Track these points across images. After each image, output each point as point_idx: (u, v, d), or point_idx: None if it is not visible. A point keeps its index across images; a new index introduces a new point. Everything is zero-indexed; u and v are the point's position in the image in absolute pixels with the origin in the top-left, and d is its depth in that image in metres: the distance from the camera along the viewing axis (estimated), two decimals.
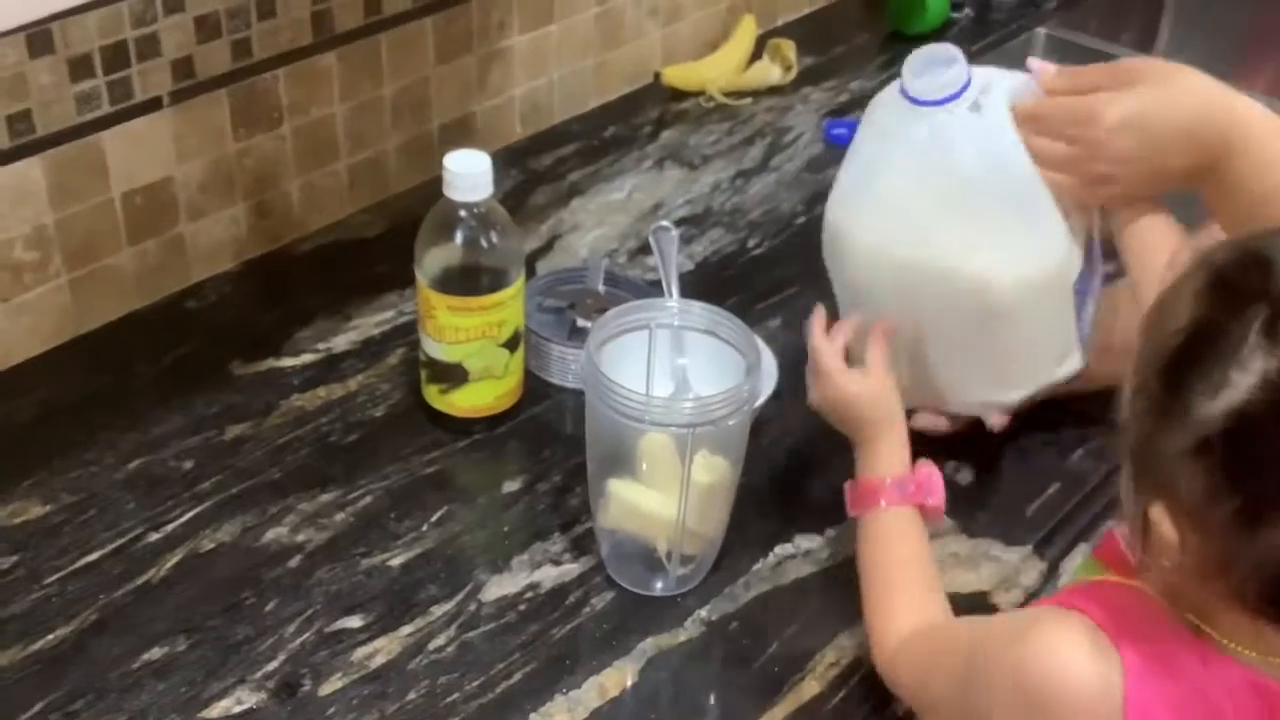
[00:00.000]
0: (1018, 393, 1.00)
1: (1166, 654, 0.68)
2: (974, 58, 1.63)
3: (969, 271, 0.92)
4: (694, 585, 0.93)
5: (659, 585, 0.93)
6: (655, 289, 1.17)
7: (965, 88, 0.91)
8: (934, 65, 0.91)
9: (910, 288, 0.95)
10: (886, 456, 0.89)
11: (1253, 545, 0.62)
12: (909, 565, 0.86)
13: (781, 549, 0.97)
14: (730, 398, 0.85)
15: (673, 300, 1.04)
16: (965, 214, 0.92)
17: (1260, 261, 0.64)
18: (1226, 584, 0.65)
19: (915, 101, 0.92)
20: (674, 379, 0.97)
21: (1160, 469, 0.65)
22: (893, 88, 0.95)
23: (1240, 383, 0.61)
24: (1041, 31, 1.78)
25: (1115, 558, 0.76)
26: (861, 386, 0.91)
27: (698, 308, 0.94)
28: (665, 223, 1.15)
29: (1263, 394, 0.61)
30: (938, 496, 0.89)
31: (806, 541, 0.97)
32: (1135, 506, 0.67)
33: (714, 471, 0.89)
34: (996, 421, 1.00)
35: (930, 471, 0.90)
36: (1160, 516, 0.66)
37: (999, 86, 0.93)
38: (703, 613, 0.92)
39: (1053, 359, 0.99)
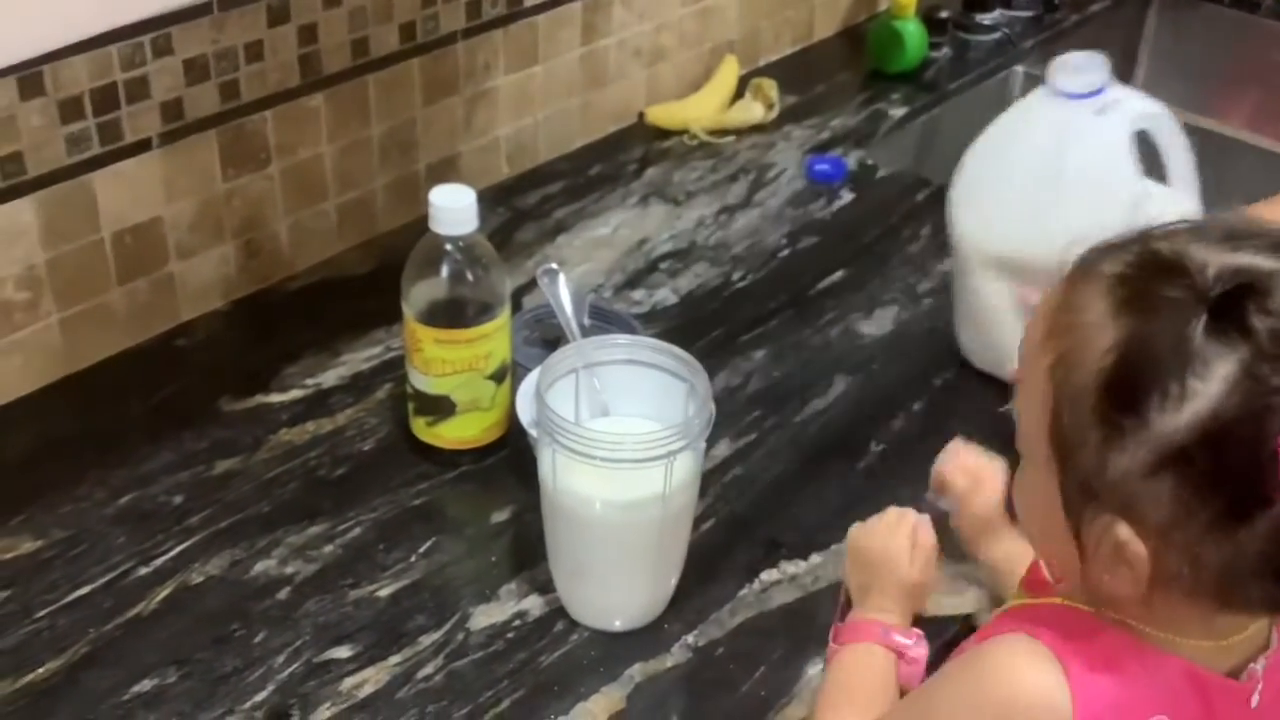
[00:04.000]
0: None
1: (1106, 659, 0.68)
2: (952, 96, 1.69)
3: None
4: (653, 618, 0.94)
5: (618, 623, 0.93)
6: (642, 322, 1.19)
7: (1101, 91, 1.06)
8: (1080, 69, 1.07)
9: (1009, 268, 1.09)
10: (890, 609, 0.86)
11: (1225, 548, 0.62)
12: (875, 697, 0.83)
13: (767, 575, 0.97)
14: (706, 419, 0.87)
15: (578, 340, 1.01)
16: (1047, 208, 1.04)
17: (1170, 266, 0.63)
18: (1183, 586, 0.64)
19: (1058, 92, 1.07)
20: (597, 414, 0.96)
21: (1119, 490, 0.64)
22: (1034, 93, 1.11)
23: (1204, 390, 0.60)
24: (1020, 70, 1.81)
25: (1039, 585, 0.75)
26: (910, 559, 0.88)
27: (623, 339, 0.96)
28: (552, 265, 1.11)
29: (1233, 397, 0.60)
30: (919, 658, 0.85)
31: (791, 567, 0.98)
32: (1077, 528, 0.66)
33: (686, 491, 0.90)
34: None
35: (922, 636, 0.87)
36: (1129, 536, 0.64)
37: (1125, 108, 1.07)
38: (689, 639, 0.93)
39: None
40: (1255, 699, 0.71)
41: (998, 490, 0.93)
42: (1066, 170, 1.06)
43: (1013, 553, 0.89)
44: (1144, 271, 0.64)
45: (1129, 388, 0.62)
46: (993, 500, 0.93)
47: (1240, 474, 0.60)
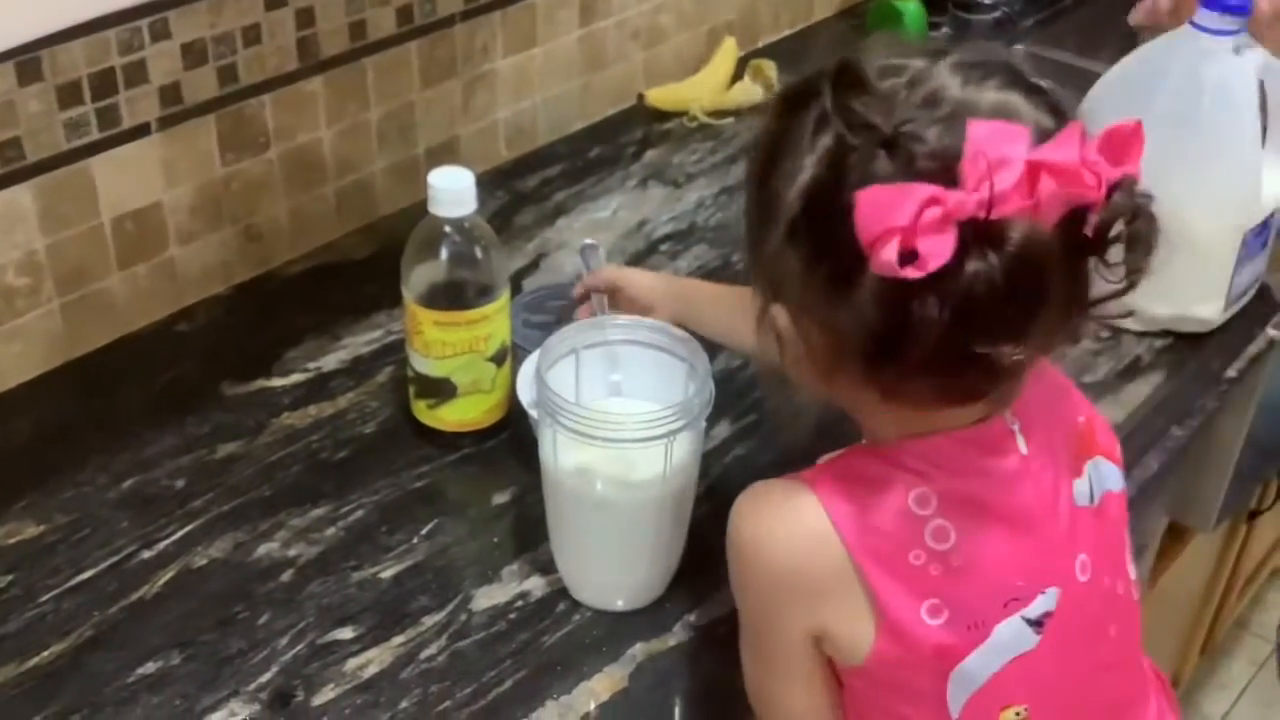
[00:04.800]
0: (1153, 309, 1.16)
1: (847, 463, 0.76)
2: None
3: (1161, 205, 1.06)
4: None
5: (620, 603, 0.93)
6: None
7: (1239, 32, 1.11)
8: (1224, 6, 1.11)
9: None
10: None
11: (848, 309, 0.67)
12: None
13: None
14: (706, 399, 0.87)
15: (608, 317, 1.01)
16: (1176, 146, 1.08)
17: (815, 76, 0.71)
18: (850, 366, 0.70)
19: (1196, 25, 1.12)
20: (611, 395, 0.97)
21: (770, 271, 0.72)
22: (1170, 34, 1.15)
23: (807, 163, 0.68)
24: (1020, 49, 1.80)
25: None
26: None
27: (623, 320, 0.96)
28: (590, 240, 1.16)
29: (823, 168, 0.68)
30: None
31: None
32: (765, 323, 0.75)
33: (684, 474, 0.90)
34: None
35: None
36: (778, 312, 0.73)
37: (1257, 52, 1.12)
38: (691, 618, 0.93)
39: (1197, 295, 1.16)
40: (1021, 443, 0.76)
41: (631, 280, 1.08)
42: (1204, 100, 1.11)
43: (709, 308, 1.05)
44: (798, 84, 0.73)
45: (768, 170, 0.71)
46: (636, 285, 1.07)
47: (833, 233, 0.66)
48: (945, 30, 1.75)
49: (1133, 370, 1.17)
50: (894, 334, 0.67)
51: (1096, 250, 0.68)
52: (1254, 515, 1.69)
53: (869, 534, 0.73)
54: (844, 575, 0.73)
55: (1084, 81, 1.76)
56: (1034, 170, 0.63)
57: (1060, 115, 0.68)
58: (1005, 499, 0.74)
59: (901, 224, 0.62)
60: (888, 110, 0.66)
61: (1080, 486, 0.78)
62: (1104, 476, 0.80)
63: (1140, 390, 1.16)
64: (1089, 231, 0.66)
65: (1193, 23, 1.13)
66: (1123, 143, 0.66)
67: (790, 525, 0.75)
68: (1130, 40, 2.06)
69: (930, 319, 0.65)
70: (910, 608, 0.72)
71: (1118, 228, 0.67)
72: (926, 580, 0.72)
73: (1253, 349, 1.23)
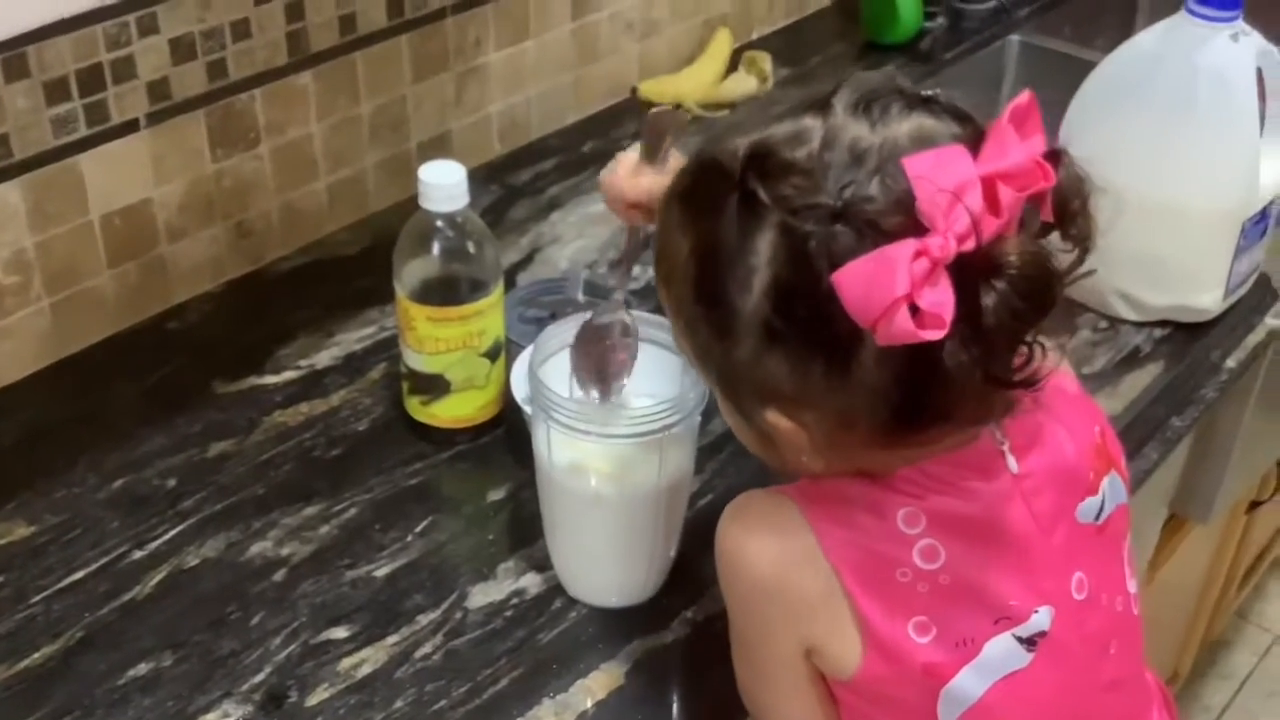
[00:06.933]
0: (1151, 298, 1.16)
1: (834, 485, 0.73)
2: (947, 66, 1.67)
3: (1159, 194, 1.09)
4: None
5: (616, 599, 0.93)
6: (637, 298, 1.18)
7: (1236, 19, 1.10)
8: None
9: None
10: None
11: (856, 388, 0.65)
12: None
13: None
14: (701, 394, 0.86)
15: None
16: (1173, 135, 1.10)
17: (708, 164, 0.69)
18: (859, 435, 0.68)
19: (1192, 12, 1.10)
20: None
21: (750, 381, 0.69)
22: (1163, 21, 1.14)
23: (759, 263, 0.65)
24: (1015, 39, 1.79)
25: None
26: None
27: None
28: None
29: (781, 265, 0.64)
30: None
31: None
32: (752, 427, 0.73)
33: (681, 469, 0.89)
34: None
35: None
36: (776, 418, 0.69)
37: (1254, 39, 1.11)
38: (688, 614, 0.92)
39: (1195, 284, 1.16)
40: (1011, 462, 0.73)
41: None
42: (1200, 88, 1.10)
43: None
44: (695, 177, 0.70)
45: (710, 285, 0.68)
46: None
47: (818, 322, 0.64)
48: (941, 20, 1.74)
49: (1131, 360, 1.16)
50: (916, 391, 0.65)
51: (1062, 229, 0.66)
52: (1254, 506, 1.69)
53: (854, 551, 0.71)
54: (829, 591, 0.72)
55: (1080, 71, 1.75)
56: (990, 184, 0.61)
57: (962, 116, 0.67)
58: (995, 519, 0.73)
59: (903, 292, 0.59)
60: (820, 183, 0.64)
61: (1091, 504, 0.76)
62: (1115, 491, 0.79)
63: (1139, 380, 1.15)
64: (1048, 215, 0.65)
65: (1189, 9, 1.12)
66: (1026, 117, 0.64)
67: (775, 540, 0.73)
68: (1127, 29, 2.05)
69: (962, 364, 0.62)
70: (896, 625, 0.71)
71: (1075, 202, 0.66)
72: (913, 598, 0.71)
73: (1252, 339, 1.22)
